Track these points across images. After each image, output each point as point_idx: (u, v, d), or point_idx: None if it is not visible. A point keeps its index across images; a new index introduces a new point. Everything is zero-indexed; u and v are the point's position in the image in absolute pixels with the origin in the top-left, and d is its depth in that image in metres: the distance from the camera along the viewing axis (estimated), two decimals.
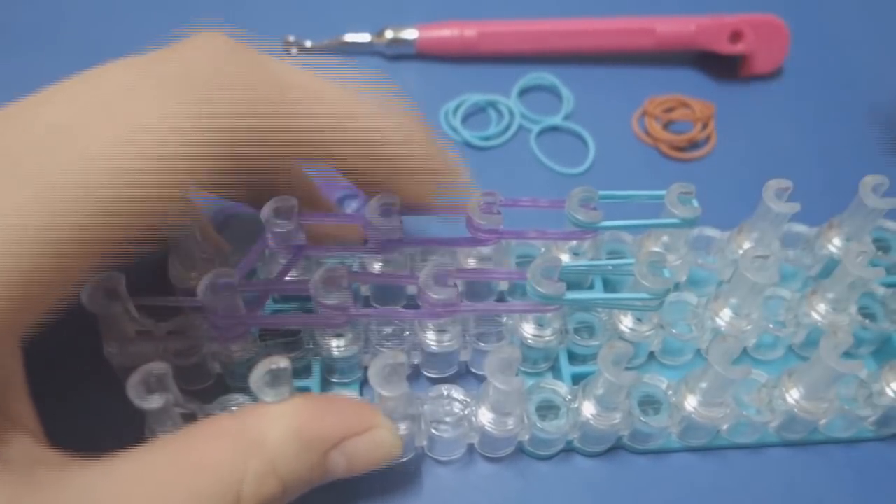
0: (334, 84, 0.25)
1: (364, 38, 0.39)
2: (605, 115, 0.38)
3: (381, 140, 0.25)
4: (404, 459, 0.26)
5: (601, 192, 0.27)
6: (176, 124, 0.20)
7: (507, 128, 0.37)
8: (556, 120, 0.37)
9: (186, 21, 0.41)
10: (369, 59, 0.40)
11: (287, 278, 0.27)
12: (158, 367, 0.21)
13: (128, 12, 0.41)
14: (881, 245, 0.31)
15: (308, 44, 0.39)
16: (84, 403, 0.27)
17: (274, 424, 0.21)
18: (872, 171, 0.28)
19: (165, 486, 0.19)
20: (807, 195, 0.27)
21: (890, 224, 0.31)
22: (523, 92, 0.39)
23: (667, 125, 0.37)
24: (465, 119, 0.37)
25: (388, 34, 0.39)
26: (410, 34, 0.39)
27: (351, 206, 0.34)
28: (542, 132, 0.37)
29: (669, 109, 0.37)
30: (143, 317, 0.26)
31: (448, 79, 0.39)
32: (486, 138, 0.37)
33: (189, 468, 0.20)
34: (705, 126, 0.37)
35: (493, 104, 0.38)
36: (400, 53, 0.39)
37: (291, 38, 0.39)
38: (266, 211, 0.25)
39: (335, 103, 0.24)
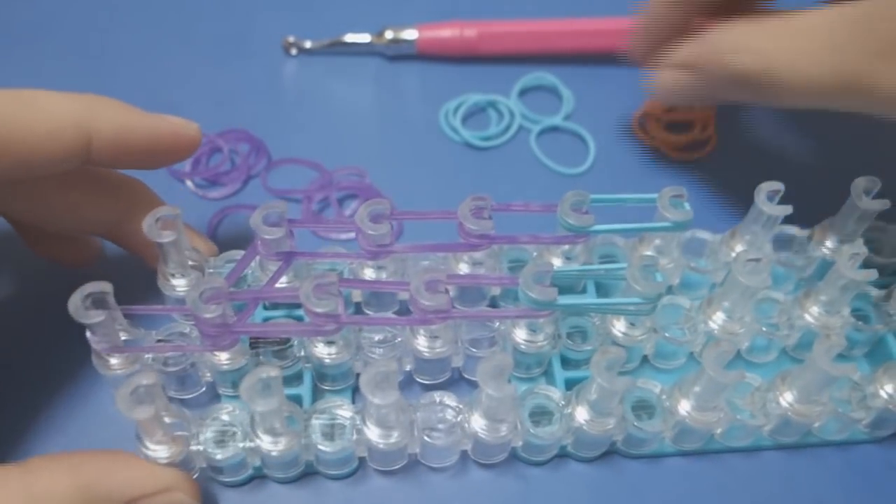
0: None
1: (364, 38, 0.39)
2: (605, 115, 0.38)
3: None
4: (397, 467, 0.26)
5: (593, 196, 0.27)
6: None
7: (508, 128, 0.37)
8: (556, 120, 0.37)
9: (187, 20, 0.41)
10: (369, 59, 0.40)
11: (277, 285, 0.27)
12: (147, 377, 0.21)
13: (128, 11, 0.41)
14: (873, 246, 0.31)
15: (308, 44, 0.39)
16: (72, 414, 0.27)
17: (60, 480, 0.21)
18: (864, 173, 0.28)
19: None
20: (800, 197, 0.27)
21: (882, 225, 0.31)
22: (523, 92, 0.39)
23: (667, 125, 0.37)
24: (465, 119, 0.37)
25: (388, 34, 0.39)
26: (410, 34, 0.39)
27: (350, 207, 0.34)
28: (542, 132, 0.37)
29: (670, 109, 0.37)
30: (132, 325, 0.26)
31: (448, 79, 0.39)
32: (486, 138, 0.36)
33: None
34: (706, 126, 0.37)
35: (493, 104, 0.38)
36: (400, 53, 0.39)
37: (291, 38, 0.39)
38: (255, 218, 0.25)
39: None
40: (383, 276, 0.28)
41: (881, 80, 0.23)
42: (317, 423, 0.25)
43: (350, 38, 0.39)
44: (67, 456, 0.21)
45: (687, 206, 0.27)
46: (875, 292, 0.29)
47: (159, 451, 0.23)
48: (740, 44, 0.27)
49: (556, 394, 0.26)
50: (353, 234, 0.31)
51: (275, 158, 0.35)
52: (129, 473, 0.22)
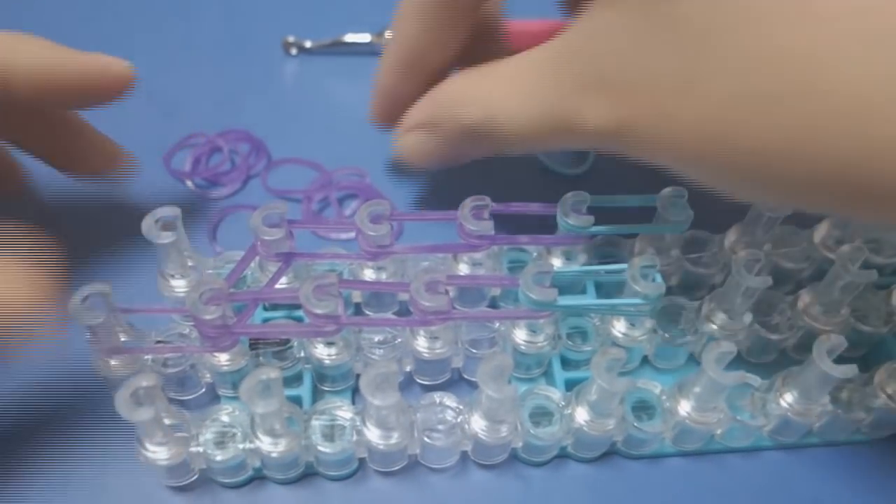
0: None
1: (364, 38, 0.39)
2: None
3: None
4: (397, 468, 0.26)
5: (592, 197, 0.27)
6: None
7: None
8: None
9: (187, 20, 0.41)
10: (369, 59, 0.40)
11: (277, 286, 0.27)
12: (147, 379, 0.21)
13: (128, 11, 0.41)
14: (873, 247, 0.31)
15: (308, 44, 0.39)
16: (71, 415, 0.27)
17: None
18: None
19: None
20: None
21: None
22: None
23: None
24: None
25: (389, 34, 0.39)
26: None
27: (350, 207, 0.34)
28: None
29: None
30: (132, 327, 0.26)
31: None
32: None
33: None
34: None
35: None
36: None
37: (291, 39, 0.39)
38: (255, 219, 0.25)
39: None
40: (383, 276, 0.28)
41: (584, 114, 0.22)
42: (317, 424, 0.25)
43: (350, 37, 0.39)
44: None
45: (687, 206, 0.27)
46: (874, 292, 0.29)
47: (159, 452, 0.23)
48: (465, 95, 0.26)
49: (556, 394, 0.26)
50: (353, 234, 0.31)
51: (275, 158, 0.35)
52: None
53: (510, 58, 0.25)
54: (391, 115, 0.29)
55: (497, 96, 0.25)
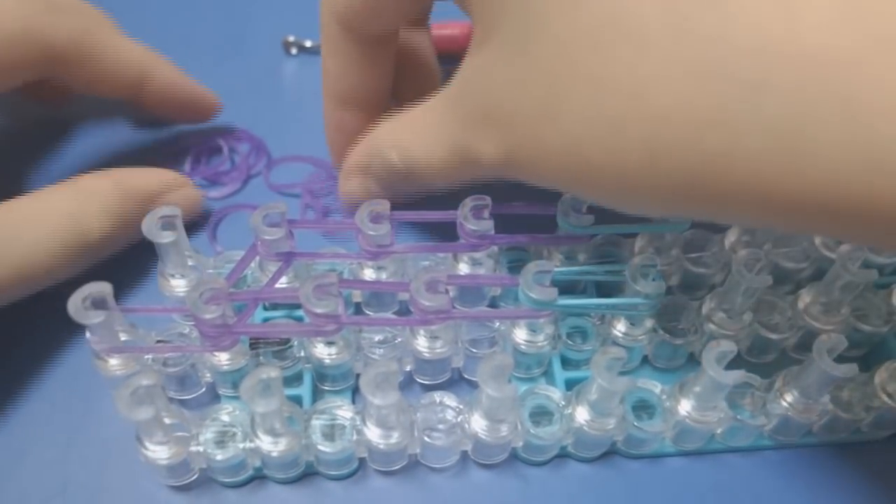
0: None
1: None
2: None
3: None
4: (397, 467, 0.26)
5: None
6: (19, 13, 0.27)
7: None
8: None
9: (186, 20, 0.41)
10: None
11: (277, 286, 0.27)
12: (147, 378, 0.21)
13: (128, 11, 0.41)
14: (873, 246, 0.31)
15: (308, 44, 0.39)
16: (72, 414, 0.27)
17: (99, 179, 0.28)
18: None
19: (31, 222, 0.26)
20: None
21: None
22: None
23: None
24: None
25: None
26: None
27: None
28: None
29: None
30: (132, 326, 0.26)
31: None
32: None
33: (45, 216, 0.26)
34: None
35: None
36: None
37: (291, 38, 0.39)
38: (255, 219, 0.25)
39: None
40: (383, 276, 0.28)
41: (478, 148, 0.23)
42: (317, 423, 0.25)
43: None
44: (104, 172, 0.29)
45: None
46: (874, 292, 0.29)
47: (159, 451, 0.23)
48: (387, 140, 0.27)
49: (556, 394, 0.26)
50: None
51: (275, 157, 0.35)
52: (154, 175, 0.30)
53: (422, 102, 0.26)
54: (342, 154, 0.31)
55: (410, 139, 0.26)
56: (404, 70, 0.31)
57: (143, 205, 0.28)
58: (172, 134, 0.35)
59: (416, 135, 0.26)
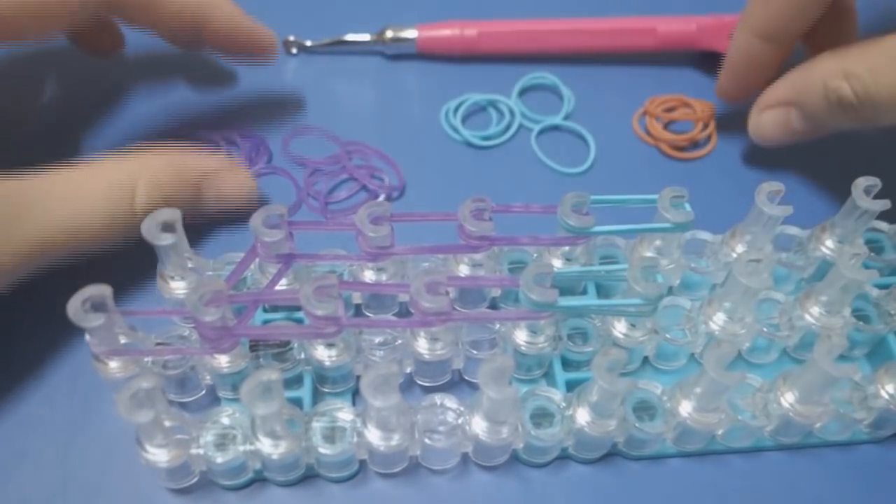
0: None
1: (364, 38, 0.39)
2: (605, 115, 0.38)
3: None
4: (398, 469, 0.26)
5: (593, 197, 0.27)
6: None
7: (508, 127, 0.37)
8: (557, 120, 0.37)
9: None
10: (369, 59, 0.40)
11: (277, 288, 0.27)
12: (147, 380, 0.21)
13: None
14: (874, 247, 0.31)
15: (308, 44, 0.39)
16: (72, 417, 0.27)
17: (155, 156, 0.29)
18: (865, 173, 0.28)
19: (84, 190, 0.26)
20: (800, 197, 0.27)
21: (882, 225, 0.31)
22: (523, 92, 0.39)
23: (667, 125, 0.37)
24: (465, 119, 0.37)
25: (388, 34, 0.39)
26: (410, 34, 0.39)
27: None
28: (542, 132, 0.37)
29: (670, 109, 0.37)
30: (132, 329, 0.26)
31: (448, 78, 0.39)
32: (487, 138, 0.36)
33: (97, 185, 0.27)
34: (706, 126, 0.36)
35: (493, 104, 0.38)
36: (400, 53, 0.39)
37: (291, 38, 0.39)
38: (255, 220, 0.25)
39: None
40: (383, 278, 0.28)
41: None
42: (317, 425, 0.25)
43: (350, 37, 0.39)
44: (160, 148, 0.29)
45: (688, 206, 0.27)
46: (875, 292, 0.29)
47: (159, 454, 0.23)
48: (839, 70, 0.28)
49: (557, 395, 0.26)
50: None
51: (275, 156, 0.35)
52: (207, 157, 0.31)
53: (881, 39, 0.28)
54: (743, 88, 0.33)
55: (879, 72, 0.27)
56: (826, 11, 0.31)
57: (194, 185, 0.29)
58: (172, 133, 0.35)
59: (884, 69, 0.27)
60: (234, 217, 0.31)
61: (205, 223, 0.31)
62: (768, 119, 0.32)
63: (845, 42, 0.31)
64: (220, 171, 0.30)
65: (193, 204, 0.29)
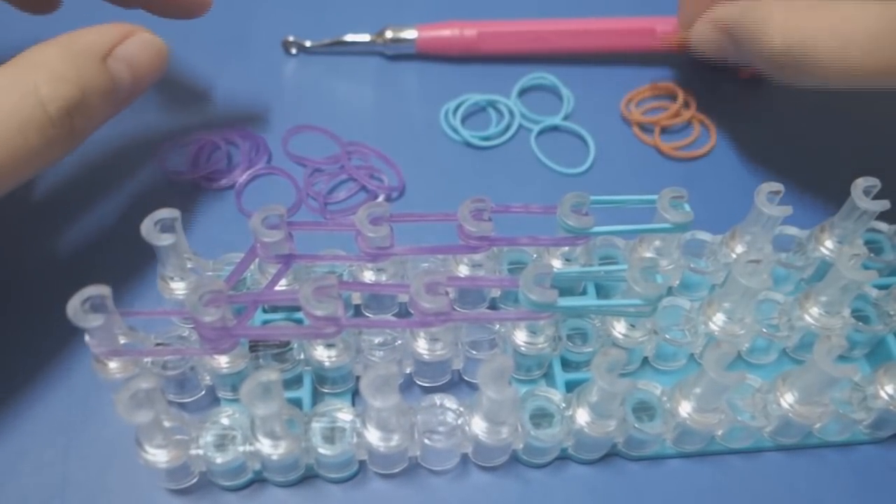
0: None
1: (364, 38, 0.39)
2: (605, 116, 0.38)
3: None
4: (398, 470, 0.26)
5: (593, 198, 0.27)
6: None
7: (507, 128, 0.37)
8: (557, 120, 0.37)
9: (187, 19, 0.41)
10: (369, 59, 0.40)
11: (277, 288, 0.26)
12: (146, 381, 0.21)
13: (127, 10, 0.41)
14: (873, 247, 0.31)
15: (308, 44, 0.39)
16: (71, 418, 0.27)
17: (42, 49, 0.25)
18: (864, 174, 0.28)
19: None
20: (800, 197, 0.27)
21: (882, 226, 0.31)
22: (523, 92, 0.39)
23: (666, 126, 0.37)
24: (465, 119, 0.37)
25: (388, 34, 0.39)
26: (410, 34, 0.39)
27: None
28: (542, 132, 0.37)
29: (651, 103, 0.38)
30: (131, 329, 0.25)
31: (448, 79, 0.39)
32: (486, 138, 0.36)
33: None
34: (705, 127, 0.37)
35: (493, 104, 0.38)
36: (400, 53, 0.39)
37: (291, 38, 0.39)
38: (254, 221, 0.25)
39: None
40: (383, 278, 0.28)
41: None
42: (317, 426, 0.25)
43: (350, 37, 0.39)
44: (51, 39, 0.25)
45: (687, 207, 0.27)
46: (875, 293, 0.29)
47: (159, 454, 0.23)
48: (772, 23, 0.28)
49: (556, 396, 0.26)
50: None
51: (275, 156, 0.35)
52: (103, 28, 0.27)
53: (829, 2, 0.27)
54: (699, 11, 0.33)
55: (813, 27, 0.27)
56: None
57: (98, 62, 0.26)
58: (172, 133, 0.35)
59: (824, 24, 0.27)
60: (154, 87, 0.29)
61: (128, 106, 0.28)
62: (707, 34, 0.32)
63: None
64: (124, 41, 0.27)
65: (107, 87, 0.26)
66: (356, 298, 0.29)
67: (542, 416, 0.26)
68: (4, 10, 0.33)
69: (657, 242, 0.29)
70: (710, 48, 0.33)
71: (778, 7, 0.28)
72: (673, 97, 0.38)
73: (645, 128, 0.37)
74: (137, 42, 0.27)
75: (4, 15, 0.34)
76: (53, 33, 0.26)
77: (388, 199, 0.34)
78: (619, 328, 0.27)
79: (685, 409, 0.25)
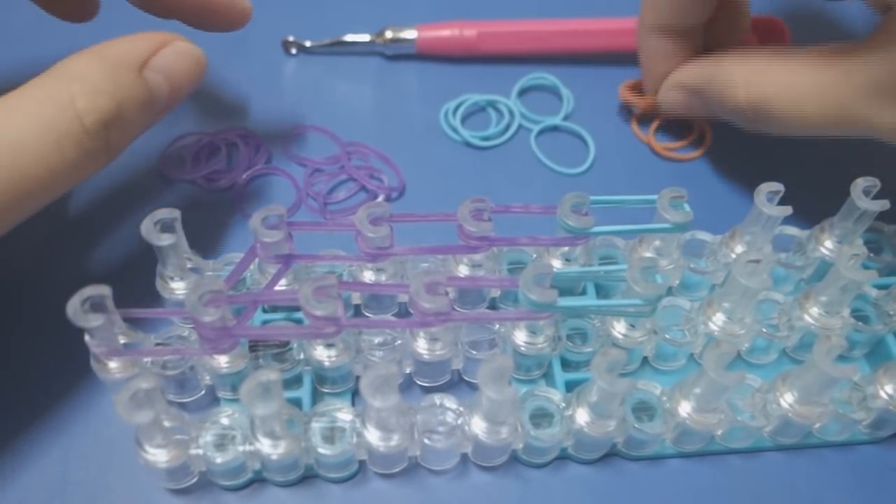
0: None
1: (364, 38, 0.39)
2: (605, 116, 0.38)
3: None
4: (397, 470, 0.26)
5: (592, 198, 0.27)
6: None
7: (507, 128, 0.37)
8: (556, 120, 0.37)
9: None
10: (369, 59, 0.40)
11: (276, 288, 0.27)
12: (146, 381, 0.21)
13: (127, 10, 0.41)
14: (873, 247, 0.31)
15: (308, 44, 0.39)
16: (71, 418, 0.27)
17: (77, 60, 0.24)
18: (864, 174, 0.28)
19: (14, 122, 0.22)
20: (800, 197, 0.27)
21: (881, 226, 0.31)
22: (523, 92, 0.39)
23: (666, 126, 0.37)
24: (465, 119, 0.37)
25: (388, 34, 0.39)
26: (410, 34, 0.39)
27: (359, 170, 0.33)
28: (542, 132, 0.37)
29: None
30: (131, 329, 0.25)
31: (448, 79, 0.39)
32: (486, 138, 0.36)
33: (26, 107, 0.22)
34: (703, 127, 0.37)
35: (493, 104, 0.38)
36: (400, 53, 0.39)
37: (291, 38, 0.39)
38: (254, 221, 0.25)
39: None
40: (383, 278, 0.28)
41: (877, 117, 0.27)
42: (317, 426, 0.25)
43: (350, 37, 0.39)
44: (87, 49, 0.25)
45: (687, 207, 0.27)
46: (875, 292, 0.29)
47: (159, 454, 0.23)
48: (735, 78, 0.30)
49: (556, 396, 0.26)
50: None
51: (275, 156, 0.35)
52: (139, 37, 0.26)
53: (782, 51, 0.29)
54: (657, 81, 0.35)
55: (770, 84, 0.29)
56: (717, 14, 0.33)
57: (134, 73, 0.25)
58: (172, 134, 0.35)
59: (780, 83, 0.28)
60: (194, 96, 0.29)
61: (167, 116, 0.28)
62: (674, 96, 0.34)
63: (736, 34, 0.34)
64: (160, 50, 0.26)
65: (144, 99, 0.25)
66: (356, 298, 0.29)
67: (541, 416, 0.26)
68: (41, 19, 0.33)
69: (657, 242, 0.29)
70: (679, 108, 0.34)
71: (739, 68, 0.30)
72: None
73: (643, 125, 0.37)
74: (174, 51, 0.26)
75: (40, 23, 0.34)
76: (89, 41, 0.26)
77: (388, 199, 0.34)
78: (619, 328, 0.27)
79: (685, 409, 0.25)
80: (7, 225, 0.23)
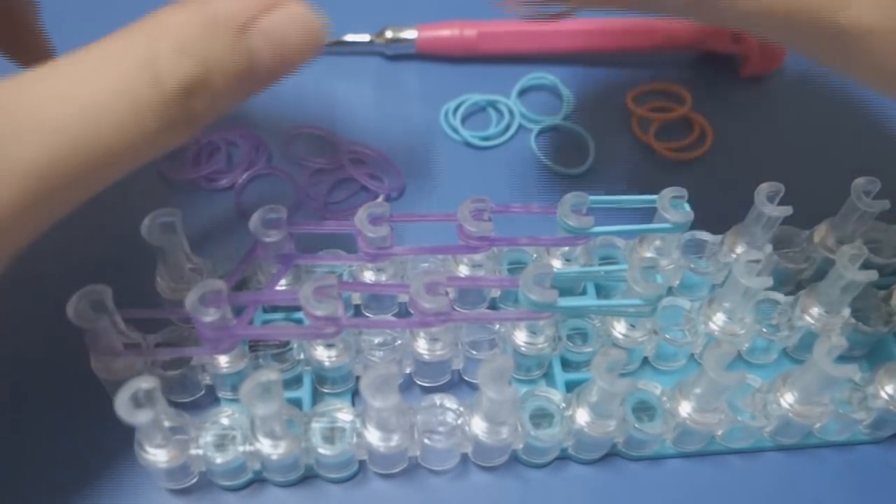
0: None
1: (364, 38, 0.39)
2: (605, 116, 0.38)
3: None
4: (397, 470, 0.26)
5: (592, 198, 0.27)
6: None
7: (507, 128, 0.37)
8: (556, 120, 0.37)
9: None
10: (369, 59, 0.40)
11: (277, 288, 0.27)
12: (146, 381, 0.21)
13: (127, 10, 0.41)
14: (873, 247, 0.30)
15: None
16: (71, 418, 0.27)
17: (173, 11, 0.20)
18: (864, 174, 0.28)
19: (87, 81, 0.19)
20: (800, 197, 0.27)
21: (882, 226, 0.31)
22: (523, 92, 0.39)
23: (665, 127, 0.37)
24: (465, 119, 0.37)
25: (388, 34, 0.39)
26: (410, 34, 0.39)
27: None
28: (542, 132, 0.37)
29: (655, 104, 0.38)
30: (131, 329, 0.25)
31: (448, 79, 0.39)
32: (486, 138, 0.36)
33: (106, 60, 0.19)
34: (703, 127, 0.37)
35: (493, 104, 0.38)
36: (400, 53, 0.39)
37: None
38: (254, 221, 0.25)
39: None
40: (383, 278, 0.28)
41: (843, 9, 0.22)
42: (317, 426, 0.25)
43: (350, 37, 0.39)
44: (176, 3, 0.21)
45: (687, 207, 0.27)
46: (875, 293, 0.29)
47: (159, 454, 0.23)
48: None
49: (556, 396, 0.26)
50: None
51: (275, 156, 0.35)
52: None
53: None
54: None
55: None
56: None
57: (231, 35, 0.20)
58: None
59: None
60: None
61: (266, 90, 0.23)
62: None
63: None
64: (268, 10, 0.21)
65: (239, 66, 0.21)
66: (356, 298, 0.29)
67: (542, 416, 0.26)
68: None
69: (657, 242, 0.29)
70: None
71: None
72: (669, 94, 0.38)
73: (643, 125, 0.37)
74: (285, 15, 0.21)
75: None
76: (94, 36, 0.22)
77: (388, 199, 0.34)
78: (619, 328, 0.27)
79: (685, 409, 0.25)
80: (72, 202, 0.20)
